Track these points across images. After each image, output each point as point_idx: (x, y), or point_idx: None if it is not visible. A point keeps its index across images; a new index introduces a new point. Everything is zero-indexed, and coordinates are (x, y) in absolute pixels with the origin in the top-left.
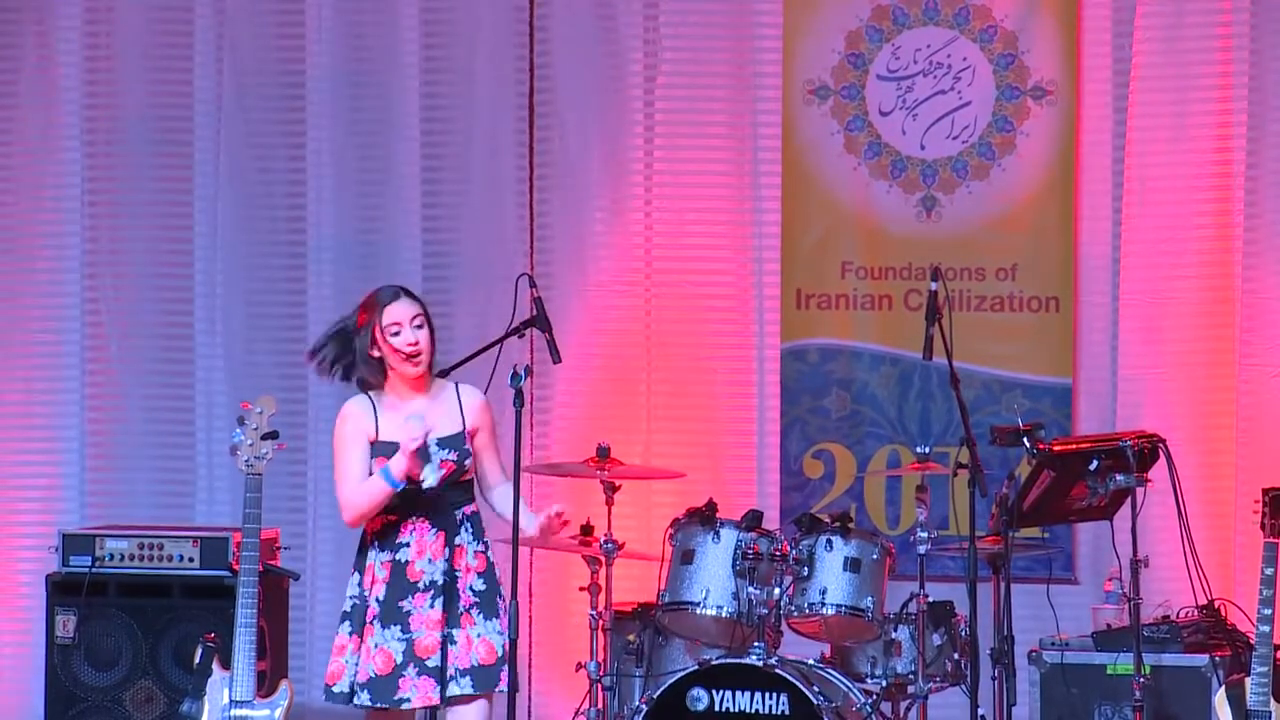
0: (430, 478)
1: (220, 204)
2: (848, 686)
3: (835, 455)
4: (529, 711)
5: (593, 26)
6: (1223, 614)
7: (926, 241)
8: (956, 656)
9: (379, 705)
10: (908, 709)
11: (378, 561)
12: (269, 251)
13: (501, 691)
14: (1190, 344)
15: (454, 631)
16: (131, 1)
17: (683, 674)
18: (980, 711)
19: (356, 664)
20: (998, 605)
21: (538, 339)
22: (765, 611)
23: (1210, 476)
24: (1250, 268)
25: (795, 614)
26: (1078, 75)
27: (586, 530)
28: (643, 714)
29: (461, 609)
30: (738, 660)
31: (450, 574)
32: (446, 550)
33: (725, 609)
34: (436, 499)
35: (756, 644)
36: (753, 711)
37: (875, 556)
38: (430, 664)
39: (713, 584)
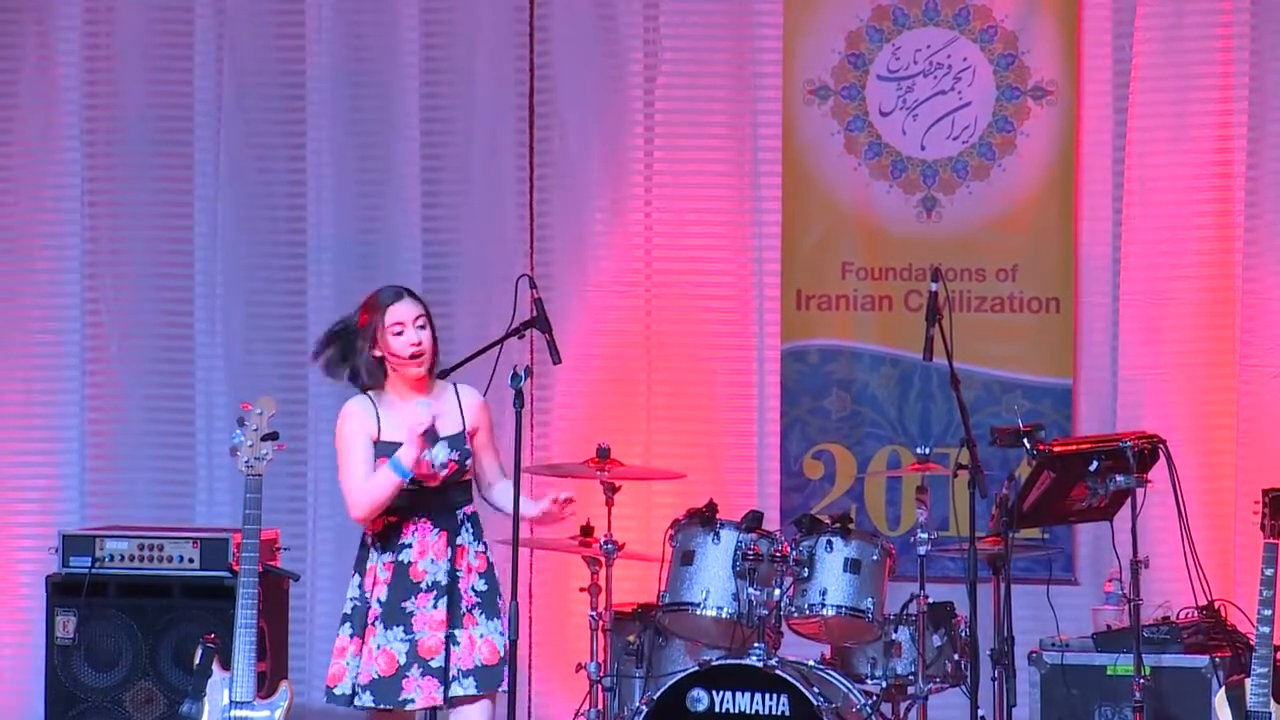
0: (441, 454)
1: (220, 204)
2: (848, 687)
3: (835, 456)
4: (529, 712)
5: (593, 26)
6: (1223, 615)
7: (927, 242)
8: (957, 657)
9: (382, 706)
10: (908, 710)
11: (379, 563)
12: (269, 251)
13: (504, 692)
14: (1190, 344)
15: (456, 632)
16: (131, 1)
17: (683, 675)
18: (980, 712)
19: (358, 666)
20: (998, 606)
21: (538, 339)
22: (765, 612)
23: (1210, 477)
24: (1250, 268)
25: (795, 615)
26: (1078, 75)
27: (586, 531)
28: (643, 715)
29: (464, 609)
30: (738, 661)
31: (452, 574)
32: (449, 550)
33: (725, 610)
34: (439, 499)
35: (757, 645)
36: (753, 712)
37: (875, 557)
38: (434, 664)
39: (713, 585)
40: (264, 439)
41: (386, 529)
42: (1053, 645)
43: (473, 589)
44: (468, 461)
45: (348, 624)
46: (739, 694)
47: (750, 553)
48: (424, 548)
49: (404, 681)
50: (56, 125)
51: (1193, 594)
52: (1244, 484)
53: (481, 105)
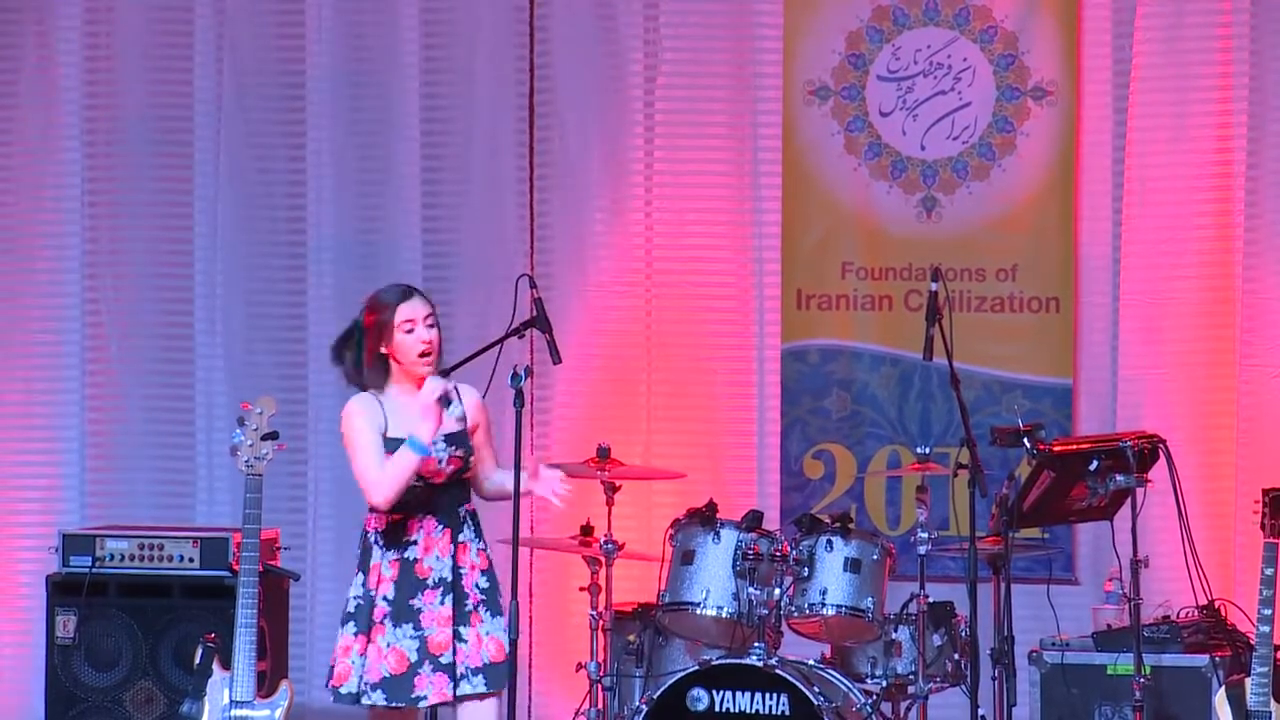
0: (456, 409)
1: (220, 204)
2: (848, 687)
3: (835, 456)
4: (529, 711)
5: (593, 26)
6: (1223, 614)
7: (927, 242)
8: (957, 657)
9: (395, 705)
10: (908, 709)
11: (384, 561)
12: (269, 251)
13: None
14: (1190, 344)
15: (462, 629)
16: (131, 1)
17: (683, 674)
18: (980, 712)
19: (364, 664)
20: (998, 606)
21: (538, 339)
22: (765, 612)
23: (1210, 477)
24: (1250, 268)
25: (795, 614)
26: (1078, 75)
27: (586, 531)
28: (643, 714)
29: (469, 606)
30: (738, 661)
31: (456, 571)
32: (452, 547)
33: (725, 609)
34: (443, 496)
35: (757, 644)
36: (753, 712)
37: (875, 557)
38: (444, 660)
39: (713, 584)
40: (264, 439)
41: (391, 526)
42: (1053, 645)
43: (477, 586)
44: (471, 458)
45: (351, 622)
46: (739, 693)
47: (750, 552)
48: (429, 544)
49: (416, 679)
50: (56, 125)
51: (1193, 593)
52: (1244, 484)
53: (481, 105)
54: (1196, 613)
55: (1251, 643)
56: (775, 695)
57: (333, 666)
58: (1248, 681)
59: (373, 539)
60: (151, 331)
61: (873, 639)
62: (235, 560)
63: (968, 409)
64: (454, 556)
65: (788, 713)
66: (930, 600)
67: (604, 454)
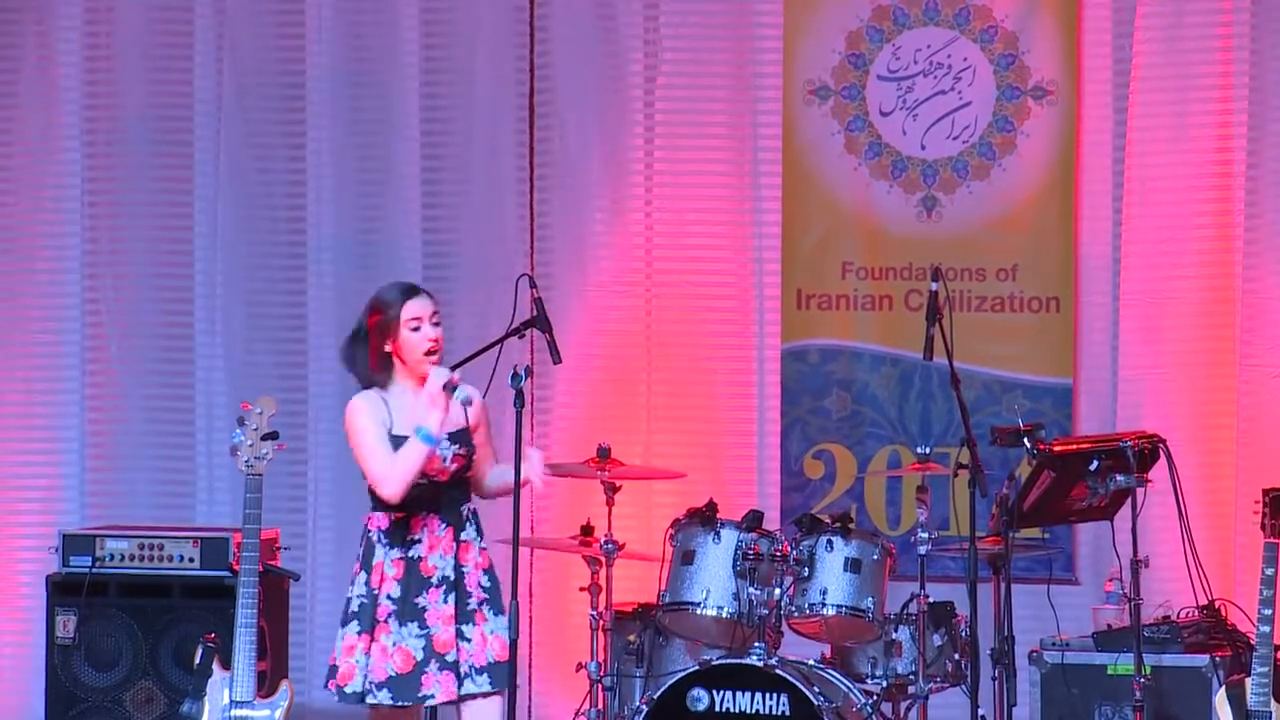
0: (461, 393)
1: (220, 204)
2: (848, 687)
3: (836, 456)
4: (529, 711)
5: (593, 26)
6: (1223, 614)
7: (927, 242)
8: (957, 657)
9: (401, 704)
10: (908, 709)
11: (388, 559)
12: (269, 251)
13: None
14: (1190, 344)
15: (465, 628)
16: (131, 1)
17: (683, 674)
18: (981, 712)
19: (369, 663)
20: (998, 606)
21: (538, 339)
22: (766, 612)
23: (1210, 476)
24: (1250, 268)
25: (796, 614)
26: (1078, 75)
27: (587, 531)
28: (643, 714)
29: (473, 605)
30: (738, 661)
31: (458, 569)
32: (454, 545)
33: (726, 609)
34: (446, 494)
35: (757, 644)
36: (753, 712)
37: (876, 557)
38: (449, 659)
39: (713, 584)
40: (264, 438)
41: (395, 525)
42: (1053, 645)
43: (480, 585)
44: (474, 456)
45: (355, 621)
46: (739, 693)
47: (750, 552)
48: (433, 543)
49: (423, 677)
50: (56, 125)
51: (1193, 593)
52: (1244, 484)
53: (481, 105)
54: (1197, 613)
55: (1251, 643)
56: (775, 695)
57: (334, 666)
58: (1248, 681)
59: (376, 537)
60: (151, 331)
61: (873, 639)
62: (235, 560)
63: (968, 409)
64: (456, 555)
65: (788, 713)
66: (930, 600)
67: (604, 454)
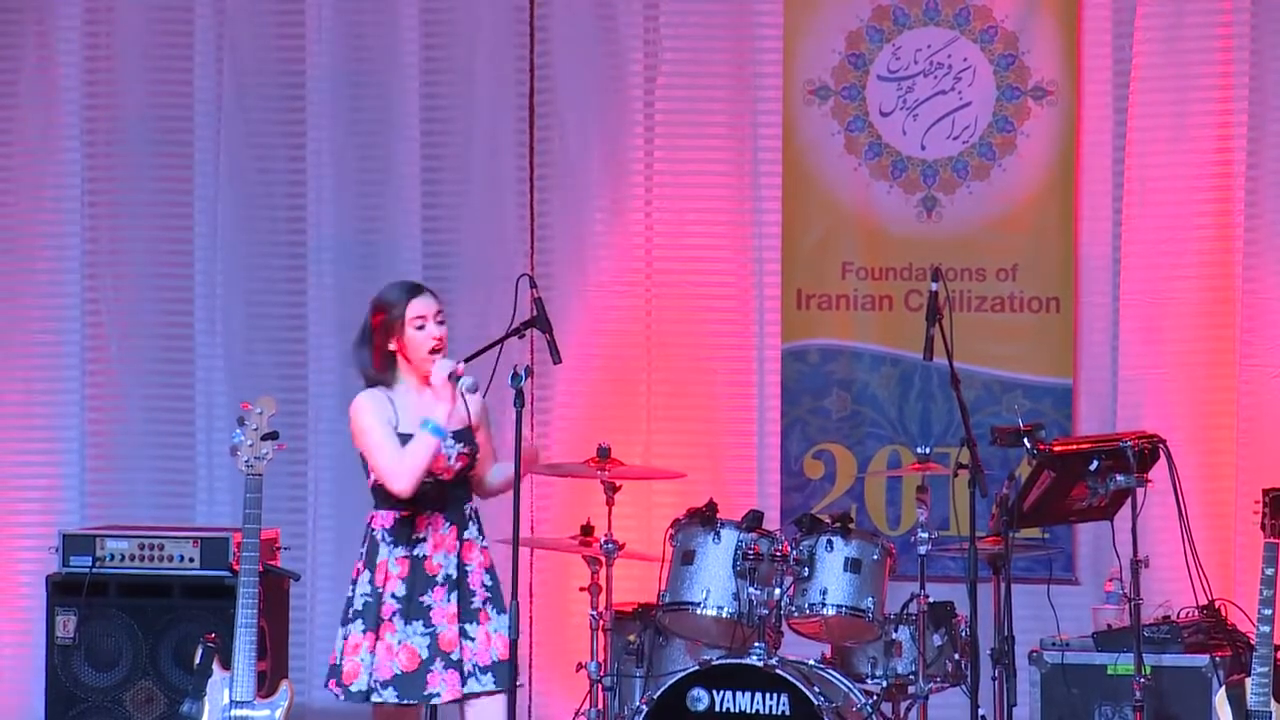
0: (466, 381)
1: (220, 204)
2: (848, 687)
3: (836, 456)
4: (529, 711)
5: (593, 26)
6: (1223, 614)
7: (927, 242)
8: (957, 657)
9: (406, 702)
10: (908, 709)
11: (392, 558)
12: (269, 251)
13: (520, 685)
14: (1190, 344)
15: (469, 627)
16: (131, 1)
17: (683, 674)
18: (981, 712)
19: (373, 661)
20: (998, 606)
21: (538, 339)
22: (766, 612)
23: (1210, 476)
24: (1250, 268)
25: (796, 614)
26: (1078, 75)
27: (587, 531)
28: (643, 714)
29: (476, 604)
30: (738, 661)
31: (461, 568)
32: (458, 544)
33: (726, 609)
34: (450, 493)
35: (757, 644)
36: (753, 712)
37: (876, 557)
38: (454, 657)
39: (713, 584)
40: (264, 438)
41: (399, 523)
42: (1053, 645)
43: (483, 584)
44: (478, 455)
45: (359, 620)
46: (739, 693)
47: (750, 552)
48: (438, 541)
49: (429, 676)
50: (56, 125)
51: (1193, 593)
52: (1244, 484)
53: (481, 105)
54: (1197, 613)
55: (1251, 643)
56: (775, 695)
57: (336, 665)
58: (1248, 681)
59: (380, 536)
60: (151, 331)
61: (873, 639)
62: (235, 560)
63: (968, 409)
64: (459, 554)
65: (788, 713)
66: (930, 600)
67: (604, 454)
